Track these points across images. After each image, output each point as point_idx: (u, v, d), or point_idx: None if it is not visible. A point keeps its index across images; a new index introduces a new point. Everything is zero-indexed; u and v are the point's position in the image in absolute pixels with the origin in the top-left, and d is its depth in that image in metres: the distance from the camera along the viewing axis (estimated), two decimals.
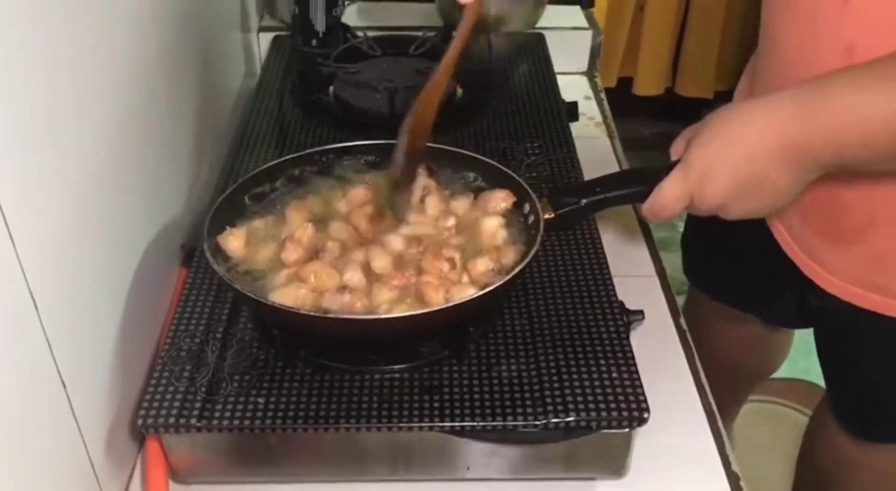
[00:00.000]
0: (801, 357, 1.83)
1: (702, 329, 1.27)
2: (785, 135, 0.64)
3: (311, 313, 0.65)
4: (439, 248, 0.71)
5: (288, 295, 0.67)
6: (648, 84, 2.37)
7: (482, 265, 0.69)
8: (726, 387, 1.35)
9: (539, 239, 0.70)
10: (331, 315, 0.65)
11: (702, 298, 1.21)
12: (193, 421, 0.65)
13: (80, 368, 0.61)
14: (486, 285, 0.67)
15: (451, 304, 0.65)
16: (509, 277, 0.66)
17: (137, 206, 0.74)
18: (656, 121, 2.48)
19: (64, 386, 0.58)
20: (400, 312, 0.66)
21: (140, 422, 0.65)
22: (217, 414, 0.65)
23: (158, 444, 0.68)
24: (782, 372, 1.74)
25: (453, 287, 0.68)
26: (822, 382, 1.07)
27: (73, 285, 0.60)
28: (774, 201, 0.68)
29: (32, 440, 0.55)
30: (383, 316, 0.66)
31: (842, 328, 0.94)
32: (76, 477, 0.62)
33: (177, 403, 0.66)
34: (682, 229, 1.23)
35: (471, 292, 0.67)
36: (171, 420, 0.65)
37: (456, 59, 0.74)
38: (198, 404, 0.66)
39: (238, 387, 0.68)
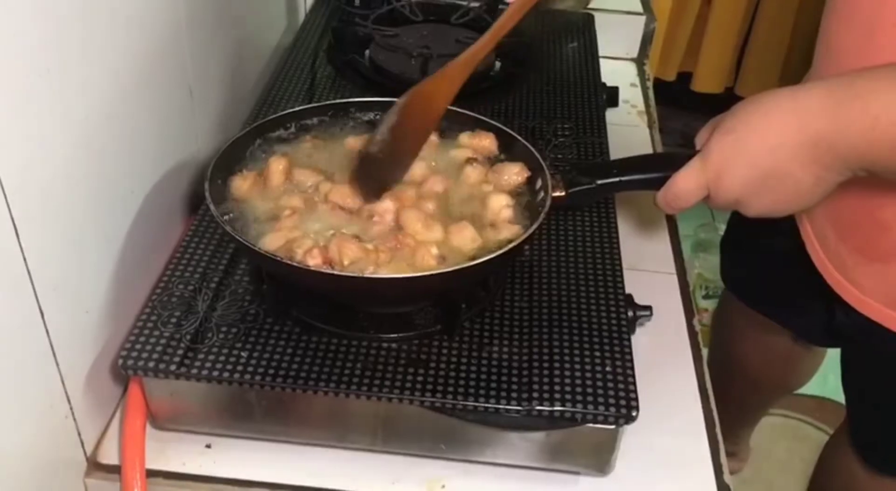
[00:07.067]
0: (833, 375, 1.77)
1: (731, 335, 1.23)
2: (809, 129, 0.60)
3: (283, 260, 0.62)
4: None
5: (276, 242, 0.65)
6: (708, 81, 2.30)
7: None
8: (749, 396, 1.32)
9: (542, 216, 0.67)
10: (301, 265, 0.62)
11: (735, 303, 1.17)
12: (173, 367, 0.64)
13: (62, 299, 0.60)
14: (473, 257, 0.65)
15: (424, 273, 0.63)
16: (498, 253, 0.63)
17: (146, 150, 0.73)
18: None
19: (42, 314, 0.57)
20: (383, 273, 0.64)
21: (120, 362, 0.64)
22: (198, 363, 0.64)
23: (140, 388, 0.68)
24: (813, 389, 1.69)
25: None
26: None
27: (63, 215, 0.60)
28: (797, 200, 0.64)
29: (2, 370, 0.54)
30: (350, 274, 0.62)
31: (869, 351, 0.90)
32: (50, 412, 0.62)
33: (159, 348, 0.65)
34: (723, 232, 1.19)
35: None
36: (151, 364, 0.64)
37: (501, 35, 0.71)
38: (180, 351, 0.65)
39: (224, 338, 0.67)
